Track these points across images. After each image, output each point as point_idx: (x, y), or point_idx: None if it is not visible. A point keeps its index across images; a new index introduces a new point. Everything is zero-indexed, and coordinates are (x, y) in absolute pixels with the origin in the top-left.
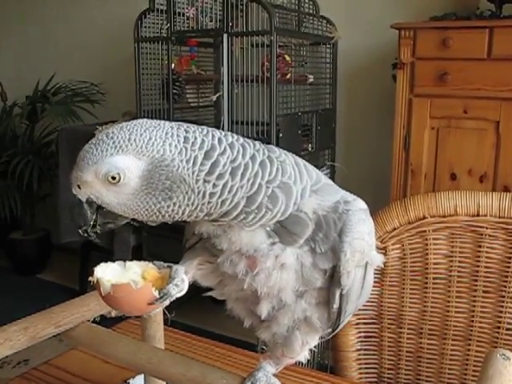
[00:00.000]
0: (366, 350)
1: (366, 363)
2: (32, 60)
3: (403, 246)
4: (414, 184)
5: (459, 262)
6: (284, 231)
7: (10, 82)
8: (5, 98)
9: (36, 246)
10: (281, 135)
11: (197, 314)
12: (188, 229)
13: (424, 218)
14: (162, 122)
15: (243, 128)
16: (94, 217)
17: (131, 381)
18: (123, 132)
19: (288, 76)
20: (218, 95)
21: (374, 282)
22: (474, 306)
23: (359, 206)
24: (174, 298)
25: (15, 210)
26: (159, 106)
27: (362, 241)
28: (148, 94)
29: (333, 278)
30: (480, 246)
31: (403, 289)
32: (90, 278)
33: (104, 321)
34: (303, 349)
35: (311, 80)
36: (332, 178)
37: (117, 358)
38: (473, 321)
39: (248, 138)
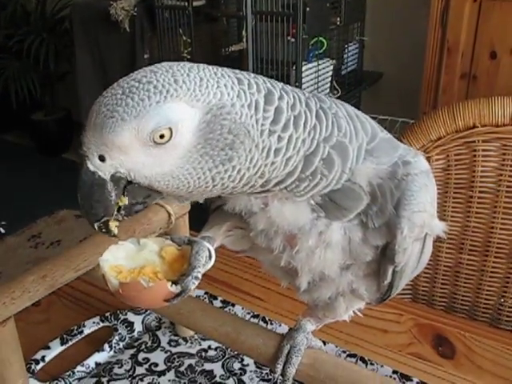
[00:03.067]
0: None
1: None
2: None
3: (448, 156)
4: (449, 63)
5: (509, 176)
6: (332, 205)
7: None
8: None
9: (58, 125)
10: (308, 9)
11: None
12: None
13: (474, 126)
14: (195, 64)
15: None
16: (121, 200)
17: None
18: (162, 73)
19: None
20: None
21: None
22: None
23: (421, 166)
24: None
25: (34, 91)
26: None
27: (423, 213)
28: None
29: (385, 251)
30: None
31: (445, 202)
32: (98, 268)
33: None
34: (347, 312)
35: None
36: (361, 53)
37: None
38: None
39: (272, 10)
